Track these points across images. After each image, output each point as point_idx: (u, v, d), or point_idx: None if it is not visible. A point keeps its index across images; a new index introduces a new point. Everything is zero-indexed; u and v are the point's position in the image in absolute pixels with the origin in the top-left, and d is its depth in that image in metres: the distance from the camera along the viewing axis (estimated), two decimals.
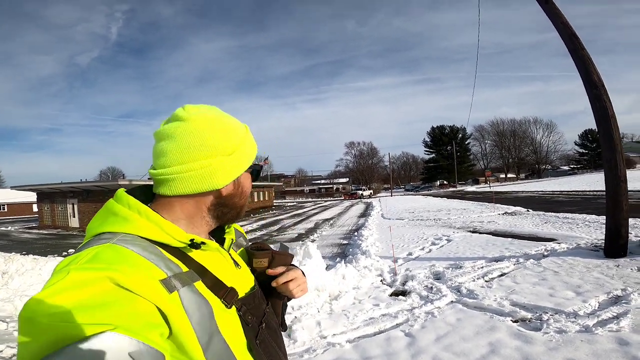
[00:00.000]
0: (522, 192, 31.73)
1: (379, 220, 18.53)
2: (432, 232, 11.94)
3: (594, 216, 11.57)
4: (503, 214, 15.65)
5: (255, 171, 0.85)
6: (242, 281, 0.78)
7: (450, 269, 6.84)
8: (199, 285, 0.65)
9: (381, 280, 6.55)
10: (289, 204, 49.61)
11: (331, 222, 20.50)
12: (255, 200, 40.42)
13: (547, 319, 4.18)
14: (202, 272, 0.67)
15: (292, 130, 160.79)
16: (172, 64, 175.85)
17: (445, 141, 72.59)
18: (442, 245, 9.34)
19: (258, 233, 17.34)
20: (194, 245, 0.67)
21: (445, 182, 68.65)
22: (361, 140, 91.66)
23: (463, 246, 8.88)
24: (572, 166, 76.85)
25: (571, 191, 25.56)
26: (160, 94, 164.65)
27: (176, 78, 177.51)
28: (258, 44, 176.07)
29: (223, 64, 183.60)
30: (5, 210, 42.59)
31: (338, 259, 9.42)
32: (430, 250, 8.95)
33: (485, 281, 5.87)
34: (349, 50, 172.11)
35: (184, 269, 0.64)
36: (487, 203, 21.75)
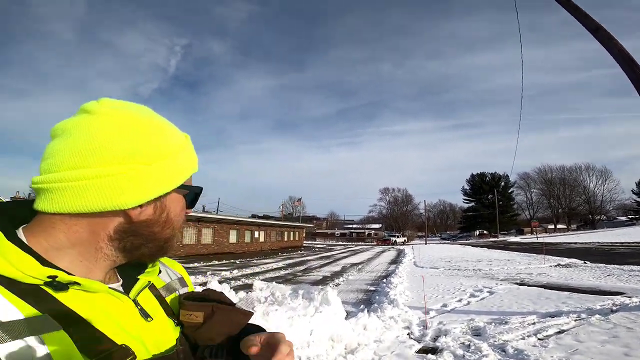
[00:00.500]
0: (575, 243, 28.52)
1: (411, 268, 17.15)
2: (471, 283, 10.60)
3: None
4: (555, 265, 13.80)
5: (192, 194, 0.66)
6: (151, 338, 0.58)
7: (493, 324, 5.75)
8: (56, 338, 0.46)
9: (408, 334, 5.59)
10: (318, 246, 48.49)
11: (359, 266, 19.32)
12: (285, 239, 40.00)
13: None
14: (69, 320, 0.48)
15: (326, 173, 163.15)
16: (217, 99, 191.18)
17: (486, 189, 69.19)
18: (483, 298, 8.11)
19: (282, 272, 16.61)
20: (57, 284, 0.49)
21: (485, 231, 64.28)
22: (396, 187, 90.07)
23: (509, 299, 7.63)
24: (630, 216, 69.15)
25: (633, 242, 22.51)
26: (204, 129, 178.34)
27: (220, 114, 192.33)
28: (296, 85, 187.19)
29: (263, 102, 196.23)
30: None
31: (362, 306, 8.46)
32: (468, 303, 7.77)
33: (539, 339, 4.79)
34: (384, 92, 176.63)
35: (30, 313, 0.45)
36: (535, 254, 19.59)
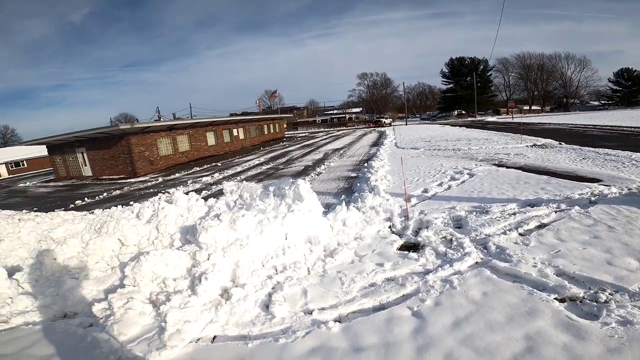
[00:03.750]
0: (549, 124, 28.87)
1: (392, 149, 17.18)
2: (450, 164, 10.60)
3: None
4: (532, 146, 13.91)
5: None
6: None
7: (474, 213, 5.68)
8: None
9: (390, 227, 5.50)
10: (300, 135, 48.15)
11: (341, 152, 19.31)
12: (266, 133, 39.09)
13: (607, 301, 3.02)
14: None
15: (303, 64, 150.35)
16: (170, 12, 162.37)
17: (465, 72, 67.49)
18: (464, 181, 8.08)
19: (264, 167, 16.43)
20: None
21: (463, 112, 64.73)
22: (374, 71, 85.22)
23: (488, 183, 7.60)
24: (602, 102, 71.26)
25: (605, 126, 22.76)
26: (163, 42, 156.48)
27: (178, 25, 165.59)
28: None
29: (223, 6, 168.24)
30: (25, 166, 43.42)
31: (343, 196, 8.41)
32: (449, 187, 7.74)
33: (520, 234, 4.70)
34: None
35: None
36: (511, 134, 19.74)
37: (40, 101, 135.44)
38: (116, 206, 10.18)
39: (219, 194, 9.55)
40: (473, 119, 54.40)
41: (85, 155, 21.77)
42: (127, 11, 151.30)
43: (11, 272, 4.76)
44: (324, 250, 4.58)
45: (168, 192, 12.28)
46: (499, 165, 9.72)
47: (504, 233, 4.74)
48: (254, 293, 3.66)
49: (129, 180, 18.03)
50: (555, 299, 3.14)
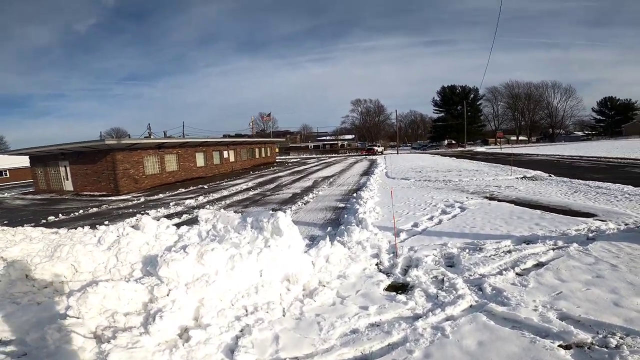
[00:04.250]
0: (537, 155, 29.52)
1: (383, 179, 16.93)
2: (442, 196, 10.34)
3: (631, 187, 9.74)
4: (522, 178, 13.89)
5: None
6: None
7: (467, 250, 5.31)
8: None
9: (377, 265, 5.06)
10: (291, 161, 48.08)
11: (331, 180, 19.01)
12: (257, 156, 38.88)
13: (618, 346, 2.75)
14: None
15: (298, 88, 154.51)
16: (171, 27, 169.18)
17: (456, 101, 69.36)
18: (455, 215, 7.76)
19: (251, 193, 15.96)
20: None
21: (453, 141, 66.01)
22: (368, 98, 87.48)
23: (481, 218, 7.29)
24: (586, 132, 74.04)
25: (592, 157, 23.37)
26: (163, 57, 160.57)
27: (178, 41, 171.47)
28: (258, 5, 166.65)
29: (223, 25, 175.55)
30: (7, 175, 42.34)
31: (329, 228, 7.98)
32: (440, 221, 7.39)
33: (517, 274, 4.33)
34: (355, 10, 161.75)
35: None
36: (501, 165, 19.91)
37: (34, 109, 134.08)
38: (89, 226, 9.52)
39: (182, 223, 9.02)
40: (462, 149, 55.39)
41: (68, 169, 21.05)
42: (130, 24, 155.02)
43: None
44: (303, 289, 4.10)
45: (147, 213, 11.69)
46: (490, 199, 9.48)
47: (500, 273, 4.36)
48: (218, 336, 3.16)
49: (110, 198, 17.30)
50: (560, 346, 2.80)
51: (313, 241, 6.76)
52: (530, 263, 4.64)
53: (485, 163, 22.42)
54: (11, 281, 3.91)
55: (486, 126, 75.91)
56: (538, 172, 15.19)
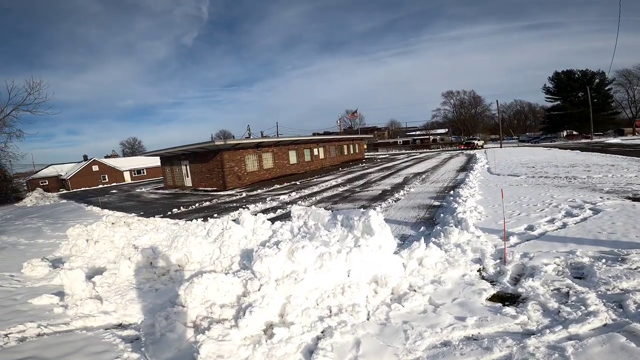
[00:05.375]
0: None
1: (485, 176, 15.12)
2: (565, 196, 8.63)
3: None
4: None
5: None
6: None
7: (604, 260, 4.23)
8: None
9: (479, 271, 4.43)
10: (380, 157, 47.18)
11: (423, 176, 17.89)
12: (345, 153, 39.30)
13: None
14: None
15: (383, 83, 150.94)
16: (258, 34, 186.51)
17: (575, 87, 58.06)
18: (585, 218, 6.34)
19: (340, 189, 16.13)
20: None
21: (574, 132, 55.33)
22: (461, 89, 79.58)
23: (622, 222, 5.78)
24: None
25: None
26: (254, 63, 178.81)
27: (265, 47, 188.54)
28: (334, 4, 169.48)
29: (304, 27, 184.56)
30: (145, 173, 52.76)
31: (422, 227, 7.41)
32: (564, 225, 6.13)
33: None
34: (435, 0, 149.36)
35: None
36: None
37: (161, 116, 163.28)
38: (202, 218, 10.87)
39: (277, 218, 9.44)
40: (589, 140, 46.16)
41: (187, 167, 24.69)
42: (223, 34, 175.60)
43: (97, 272, 5.20)
44: (392, 293, 3.81)
45: (247, 208, 12.83)
46: (634, 199, 7.50)
47: None
48: (299, 335, 3.14)
49: (218, 193, 19.63)
50: None
51: (404, 241, 6.35)
52: None
53: (623, 157, 18.08)
54: (138, 268, 4.64)
55: (620, 114, 61.65)
56: None
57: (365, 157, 46.66)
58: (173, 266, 4.82)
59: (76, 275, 4.41)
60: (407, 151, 58.23)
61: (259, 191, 18.44)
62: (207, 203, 15.75)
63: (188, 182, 24.87)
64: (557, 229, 5.94)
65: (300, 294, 3.52)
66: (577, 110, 55.15)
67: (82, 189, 44.53)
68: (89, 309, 4.05)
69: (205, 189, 22.43)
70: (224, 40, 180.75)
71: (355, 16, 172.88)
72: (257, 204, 13.50)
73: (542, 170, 14.47)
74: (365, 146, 51.55)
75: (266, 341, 3.03)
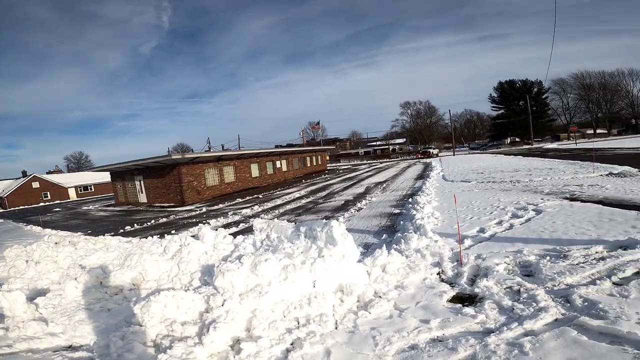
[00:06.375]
0: (621, 148, 25.69)
1: (440, 182, 15.94)
2: (510, 198, 9.34)
3: None
4: (607, 175, 12.08)
5: None
6: None
7: (549, 258, 4.61)
8: None
9: (439, 274, 4.62)
10: (342, 167, 48.04)
11: (384, 185, 18.45)
12: (308, 165, 39.52)
13: None
14: None
15: (345, 94, 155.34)
16: (223, 45, 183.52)
17: (517, 96, 63.97)
18: (529, 219, 6.89)
19: (304, 201, 16.11)
20: None
21: (517, 139, 60.57)
22: (417, 100, 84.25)
23: (562, 221, 6.36)
24: None
25: None
26: (217, 74, 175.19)
27: (229, 58, 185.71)
28: (299, 17, 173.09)
29: (269, 39, 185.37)
30: (92, 190, 49.06)
31: (385, 235, 7.61)
32: (511, 226, 6.61)
33: (614, 284, 3.62)
34: (396, 11, 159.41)
35: None
36: (579, 161, 17.63)
37: (112, 129, 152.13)
38: (158, 235, 10.28)
39: (238, 233, 9.23)
40: (529, 146, 50.61)
41: (142, 182, 23.33)
42: (185, 44, 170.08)
43: (40, 294, 4.72)
44: (358, 300, 3.85)
45: (208, 223, 12.35)
46: (572, 199, 8.31)
47: (593, 283, 3.69)
48: (268, 349, 3.06)
49: (176, 208, 18.72)
50: None
51: (367, 249, 6.46)
52: (630, 271, 3.87)
53: (560, 160, 20.04)
54: (87, 288, 4.27)
55: (556, 120, 68.46)
56: (626, 168, 13.12)
57: (328, 168, 47.24)
58: (127, 285, 4.49)
59: (16, 296, 3.99)
60: (369, 161, 59.87)
61: (220, 205, 17.88)
62: (164, 219, 14.95)
63: (142, 198, 23.50)
64: (505, 230, 6.39)
65: (265, 307, 3.43)
66: (519, 118, 60.34)
67: (21, 207, 40.39)
68: (33, 331, 3.67)
69: (162, 204, 21.31)
70: (185, 50, 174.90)
71: (320, 28, 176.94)
72: (218, 219, 13.05)
73: (490, 176, 15.57)
74: (327, 157, 52.23)
75: (234, 357, 2.91)
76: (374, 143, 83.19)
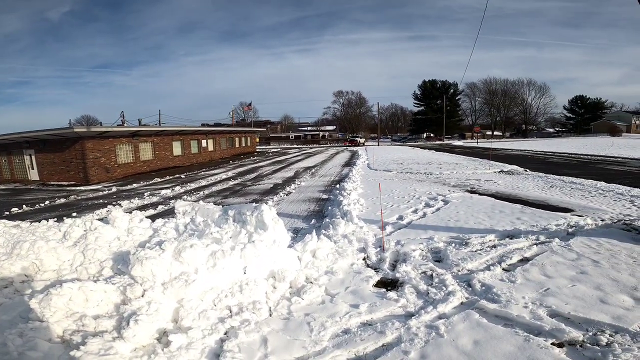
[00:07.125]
0: (512, 149, 30.58)
1: (365, 171, 16.90)
2: (424, 189, 10.38)
3: (603, 183, 10.10)
4: (499, 172, 14.24)
5: None
6: None
7: (453, 244, 5.28)
8: None
9: (364, 259, 4.94)
10: (272, 151, 47.40)
11: (313, 170, 18.81)
12: (237, 146, 37.97)
13: (609, 344, 2.76)
14: None
15: (281, 78, 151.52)
16: (150, 16, 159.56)
17: (436, 95, 70.86)
18: (439, 208, 7.77)
19: (231, 183, 15.51)
20: None
21: (432, 134, 67.31)
22: (350, 90, 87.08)
23: (464, 211, 7.33)
24: (557, 129, 77.87)
25: (563, 153, 24.54)
26: (138, 46, 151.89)
27: (157, 30, 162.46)
28: None
29: (205, 14, 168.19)
30: None
31: (313, 220, 7.81)
32: (424, 215, 7.37)
33: (504, 269, 4.33)
34: (342, 2, 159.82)
35: None
36: (479, 159, 20.38)
37: None
38: (55, 219, 8.88)
39: (157, 215, 8.59)
40: (441, 142, 56.43)
41: (33, 157, 19.70)
42: (106, 12, 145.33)
43: None
44: (290, 287, 3.91)
45: (119, 205, 11.08)
46: (472, 192, 9.60)
47: (488, 268, 4.34)
48: (200, 339, 2.93)
49: (79, 187, 16.36)
50: (553, 344, 2.79)
51: (297, 234, 6.56)
52: (515, 258, 4.66)
53: (464, 157, 22.87)
54: None
55: (464, 120, 77.69)
56: (514, 167, 15.60)
57: (258, 150, 46.15)
58: (18, 277, 3.79)
59: None
60: (299, 146, 60.14)
61: (135, 185, 16.18)
62: (63, 200, 12.96)
63: (34, 175, 19.91)
64: (419, 218, 7.11)
65: (194, 296, 3.25)
66: (435, 116, 66.89)
67: None
68: None
69: (60, 183, 18.39)
70: (103, 18, 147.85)
71: (262, 9, 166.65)
72: (132, 200, 11.81)
73: (408, 167, 17.05)
74: (257, 139, 50.87)
75: (163, 350, 2.71)
76: (305, 128, 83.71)
